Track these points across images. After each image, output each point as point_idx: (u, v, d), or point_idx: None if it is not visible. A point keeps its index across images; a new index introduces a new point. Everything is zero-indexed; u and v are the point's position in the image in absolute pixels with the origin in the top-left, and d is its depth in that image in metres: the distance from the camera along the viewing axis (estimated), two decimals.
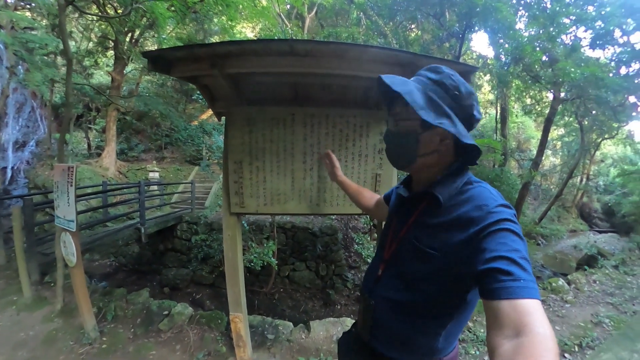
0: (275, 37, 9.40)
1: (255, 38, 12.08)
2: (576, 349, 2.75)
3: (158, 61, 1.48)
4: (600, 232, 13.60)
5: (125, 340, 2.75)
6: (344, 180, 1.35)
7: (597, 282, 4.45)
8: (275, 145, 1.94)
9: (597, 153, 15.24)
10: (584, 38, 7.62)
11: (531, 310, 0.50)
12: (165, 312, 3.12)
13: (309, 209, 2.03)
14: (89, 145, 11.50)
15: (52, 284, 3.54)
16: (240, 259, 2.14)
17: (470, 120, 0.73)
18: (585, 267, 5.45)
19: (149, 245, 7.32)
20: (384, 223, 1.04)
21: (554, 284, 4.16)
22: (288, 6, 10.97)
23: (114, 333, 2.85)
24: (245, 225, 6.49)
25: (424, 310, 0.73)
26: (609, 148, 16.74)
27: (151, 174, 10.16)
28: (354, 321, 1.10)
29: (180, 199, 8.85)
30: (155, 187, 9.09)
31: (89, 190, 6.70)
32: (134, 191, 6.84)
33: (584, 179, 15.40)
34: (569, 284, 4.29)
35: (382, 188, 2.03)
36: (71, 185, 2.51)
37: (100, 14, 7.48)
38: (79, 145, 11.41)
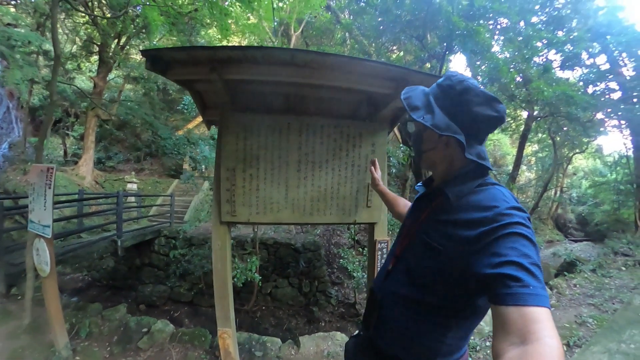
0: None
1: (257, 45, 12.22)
2: (565, 348, 2.85)
3: (156, 61, 1.45)
4: (575, 241, 14.27)
5: None
6: (383, 189, 1.41)
7: (578, 285, 4.67)
8: (270, 153, 1.93)
9: (570, 167, 16.27)
10: (555, 60, 8.32)
11: (539, 318, 0.49)
12: (145, 330, 2.92)
13: (302, 219, 2.01)
14: (65, 152, 10.96)
15: (20, 297, 3.25)
16: (229, 271, 2.06)
17: (472, 117, 0.71)
18: (565, 272, 5.69)
19: (125, 259, 6.93)
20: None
21: None
22: (275, 23, 11.26)
23: (88, 352, 2.62)
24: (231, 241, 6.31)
25: (429, 308, 0.72)
26: (580, 162, 17.97)
27: (129, 186, 9.76)
28: (344, 335, 1.10)
29: (159, 212, 8.52)
30: (134, 199, 8.71)
31: (64, 198, 6.31)
32: (111, 202, 6.52)
33: (558, 192, 16.29)
34: (551, 289, 4.46)
35: (374, 197, 2.05)
36: (49, 188, 2.36)
37: (90, 15, 7.32)
38: (54, 151, 10.85)
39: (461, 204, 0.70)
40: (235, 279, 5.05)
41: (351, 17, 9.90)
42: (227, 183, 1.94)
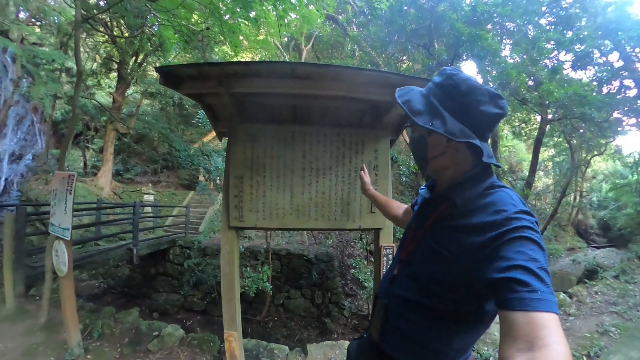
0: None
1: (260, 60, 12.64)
2: (585, 359, 2.72)
3: (169, 77, 1.57)
4: (598, 247, 13.55)
5: None
6: (373, 193, 1.40)
7: (599, 293, 4.46)
8: (276, 161, 2.01)
9: (588, 170, 15.60)
10: (566, 61, 8.15)
11: (547, 324, 0.48)
12: (155, 333, 3.00)
13: (307, 224, 2.05)
14: (85, 163, 11.51)
15: (37, 298, 3.42)
16: (237, 275, 2.12)
17: (479, 116, 0.69)
18: (586, 280, 5.44)
19: (140, 268, 7.12)
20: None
21: None
22: (286, 38, 11.62)
23: (99, 351, 2.72)
24: (242, 248, 6.39)
25: (436, 313, 0.71)
26: (599, 164, 17.17)
27: (146, 197, 10.09)
28: (360, 335, 1.09)
29: (174, 223, 8.73)
30: (150, 209, 9.00)
31: (83, 207, 6.62)
32: (128, 212, 6.76)
33: (578, 197, 15.62)
34: (570, 297, 4.28)
35: None
36: (70, 193, 2.52)
37: (109, 34, 7.82)
38: (75, 163, 11.42)
39: (469, 208, 0.68)
40: (247, 288, 5.10)
41: (358, 30, 10.11)
42: (236, 190, 2.03)
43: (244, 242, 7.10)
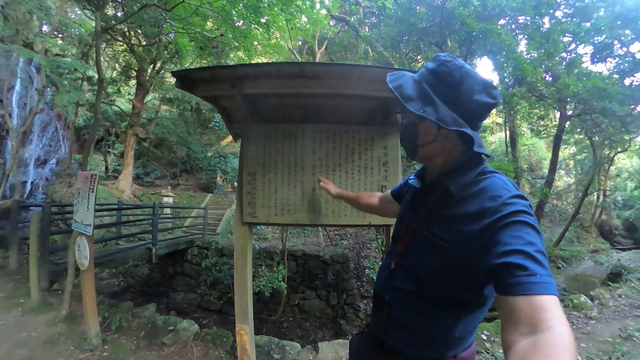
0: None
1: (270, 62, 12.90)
2: None
3: (185, 80, 1.67)
4: (623, 249, 12.82)
5: (127, 351, 2.75)
6: (340, 192, 1.40)
7: (623, 296, 4.23)
8: (287, 159, 2.07)
9: (612, 168, 14.79)
10: (585, 53, 7.83)
11: (548, 307, 0.48)
12: (171, 328, 3.11)
13: (318, 220, 2.10)
14: (106, 167, 12.05)
15: (60, 292, 3.63)
16: (249, 269, 2.18)
17: (472, 105, 0.69)
18: (609, 282, 5.17)
19: (159, 267, 7.36)
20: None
21: (575, 301, 3.94)
22: (300, 42, 11.78)
23: (116, 343, 2.85)
24: (257, 246, 6.50)
25: (436, 302, 0.71)
26: (624, 162, 16.24)
27: (165, 199, 10.41)
28: (361, 329, 1.09)
29: (193, 224, 8.99)
30: (169, 211, 9.31)
31: (105, 208, 6.94)
32: (148, 213, 7.04)
33: (601, 196, 14.82)
34: (592, 300, 4.07)
35: None
36: (92, 192, 2.69)
37: (125, 46, 8.24)
38: (97, 167, 11.97)
39: (462, 196, 0.68)
40: (262, 287, 5.19)
41: (370, 30, 10.12)
42: (249, 187, 2.10)
43: (261, 243, 7.21)
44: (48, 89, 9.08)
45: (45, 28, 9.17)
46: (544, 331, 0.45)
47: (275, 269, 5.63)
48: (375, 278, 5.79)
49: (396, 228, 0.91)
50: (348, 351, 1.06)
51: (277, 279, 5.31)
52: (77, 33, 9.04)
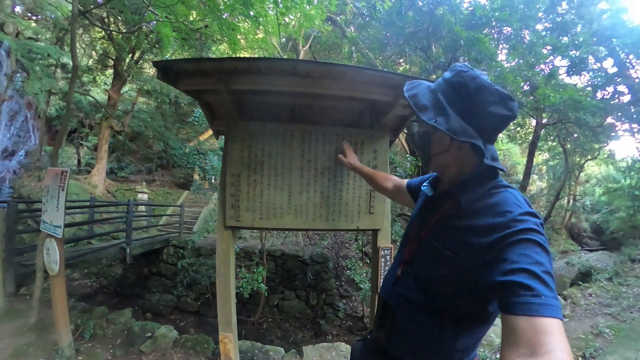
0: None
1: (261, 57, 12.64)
2: None
3: (167, 72, 1.54)
4: (591, 250, 13.77)
5: None
6: (358, 166, 1.44)
7: (593, 295, 4.53)
8: (274, 160, 1.98)
9: (582, 174, 15.89)
10: (562, 66, 8.29)
11: (550, 330, 0.47)
12: (148, 334, 2.95)
13: (305, 224, 2.03)
14: (78, 161, 11.37)
15: (28, 297, 3.37)
16: (232, 275, 2.08)
17: (486, 117, 0.67)
18: (580, 282, 5.52)
19: (133, 267, 7.04)
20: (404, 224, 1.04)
21: None
22: (284, 39, 11.65)
23: (91, 352, 2.68)
24: (237, 248, 6.35)
25: (440, 314, 0.71)
26: (593, 169, 17.52)
27: (140, 196, 10.00)
28: (349, 345, 1.07)
29: (168, 223, 8.67)
30: (144, 208, 8.90)
31: (76, 205, 6.51)
32: (122, 210, 6.68)
33: (571, 200, 15.87)
34: (565, 299, 4.33)
35: (377, 204, 2.07)
36: (62, 190, 2.47)
37: (106, 30, 7.75)
38: (68, 160, 11.27)
39: (473, 208, 0.67)
40: (241, 289, 5.06)
41: (356, 32, 10.15)
42: (232, 189, 1.99)
43: (239, 243, 7.07)
44: (18, 74, 8.40)
45: (18, 9, 8.45)
46: (544, 355, 0.44)
47: (254, 270, 5.52)
48: (355, 278, 5.85)
49: (405, 235, 0.92)
50: (350, 356, 1.06)
51: (257, 281, 5.21)
52: (53, 16, 8.39)
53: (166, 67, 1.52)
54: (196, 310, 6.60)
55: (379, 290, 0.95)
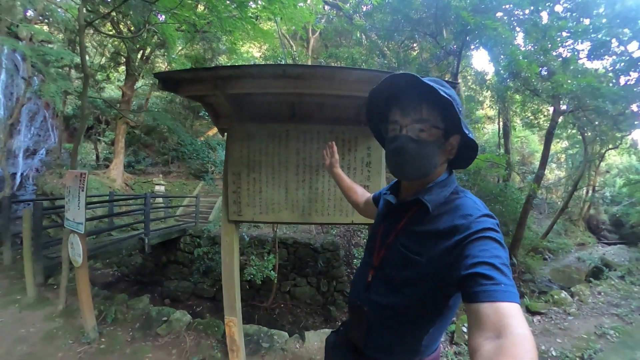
0: (280, 57, 9.85)
1: (261, 58, 12.65)
2: None
3: (167, 82, 1.66)
4: (609, 244, 13.27)
5: (123, 342, 2.84)
6: (339, 172, 1.36)
7: (602, 293, 4.35)
8: (271, 159, 2.09)
9: (602, 164, 15.08)
10: (582, 50, 7.80)
11: (511, 313, 0.51)
12: (164, 318, 3.20)
13: (301, 218, 2.14)
14: (97, 156, 11.86)
15: (55, 286, 3.67)
16: (236, 264, 2.24)
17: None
18: (591, 279, 5.35)
19: (152, 256, 7.41)
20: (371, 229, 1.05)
21: (556, 297, 4.09)
22: (293, 27, 11.57)
23: (112, 335, 2.94)
24: (246, 237, 6.58)
25: (409, 313, 0.75)
26: (614, 158, 16.57)
27: (157, 187, 10.33)
28: (337, 327, 1.14)
29: (185, 213, 8.95)
30: (161, 200, 9.25)
31: (96, 199, 6.90)
32: (140, 202, 7.01)
33: (590, 191, 15.17)
34: (572, 296, 4.20)
35: None
36: (82, 190, 2.69)
37: (114, 32, 7.96)
38: (87, 156, 11.79)
39: (436, 213, 0.72)
40: (253, 276, 5.29)
41: (363, 19, 9.91)
42: (234, 186, 2.13)
43: (253, 231, 7.26)
44: (35, 77, 8.77)
45: (30, 13, 8.77)
46: (508, 335, 0.49)
47: (265, 257, 5.72)
48: None
49: (370, 240, 0.94)
50: (325, 347, 1.11)
51: (268, 268, 5.42)
52: (63, 15, 8.67)
53: (166, 77, 1.64)
54: (212, 296, 6.89)
55: (350, 295, 0.98)
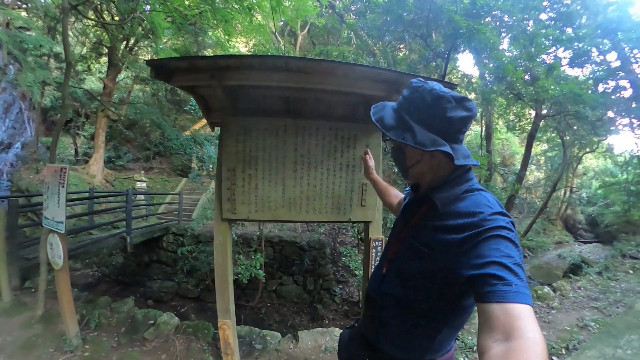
0: (269, 53, 9.69)
1: (251, 53, 12.39)
2: (563, 351, 2.84)
3: (160, 70, 1.56)
4: (584, 242, 14.01)
5: (109, 349, 2.67)
6: (375, 178, 1.43)
7: (582, 288, 4.62)
8: (268, 154, 2.02)
9: (579, 167, 15.93)
10: (564, 57, 8.18)
11: (522, 315, 0.50)
12: (151, 322, 3.06)
13: (299, 216, 2.09)
14: (76, 151, 11.28)
15: (33, 290, 3.42)
16: (230, 265, 2.16)
17: (447, 123, 0.72)
18: (570, 275, 5.62)
19: (134, 256, 7.13)
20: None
21: (539, 292, 4.29)
22: (282, 23, 11.39)
23: (97, 341, 2.76)
24: (235, 237, 6.45)
25: (421, 309, 0.76)
26: (591, 161, 17.57)
27: (138, 184, 9.98)
28: (351, 324, 1.15)
29: (167, 210, 8.70)
30: (143, 197, 8.92)
31: (75, 196, 6.55)
32: (121, 200, 6.72)
33: (568, 192, 15.99)
34: (554, 291, 4.41)
35: (368, 197, 2.12)
36: (62, 187, 2.50)
37: (98, 20, 7.55)
38: (65, 150, 11.18)
39: (448, 210, 0.72)
40: (240, 275, 5.19)
41: (355, 17, 9.93)
42: (228, 182, 2.04)
43: (237, 230, 7.14)
44: (11, 66, 8.19)
45: None
46: (518, 338, 0.47)
47: (253, 256, 5.63)
48: (351, 265, 5.99)
49: (390, 235, 0.98)
50: (338, 346, 1.13)
51: (255, 267, 5.33)
52: (43, 2, 8.13)
53: (159, 65, 1.54)
54: (196, 297, 6.73)
55: (366, 288, 1.01)
